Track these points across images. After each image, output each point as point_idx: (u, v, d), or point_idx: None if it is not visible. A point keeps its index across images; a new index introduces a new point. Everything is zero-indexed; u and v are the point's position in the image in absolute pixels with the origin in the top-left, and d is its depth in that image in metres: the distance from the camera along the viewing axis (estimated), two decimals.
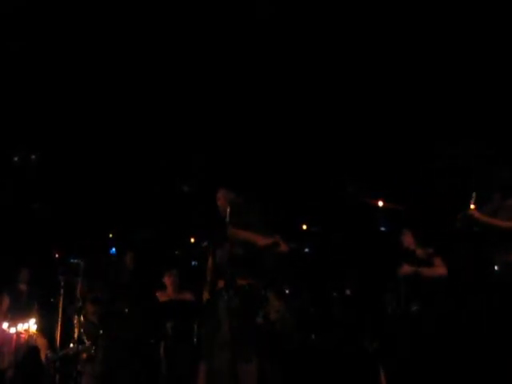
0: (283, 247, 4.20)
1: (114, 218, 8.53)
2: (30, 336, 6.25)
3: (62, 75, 6.72)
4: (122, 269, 6.37)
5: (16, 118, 7.23)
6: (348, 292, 7.97)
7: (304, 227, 9.41)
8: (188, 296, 6.53)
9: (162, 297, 6.54)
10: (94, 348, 5.92)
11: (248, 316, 4.05)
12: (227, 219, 4.15)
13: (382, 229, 8.70)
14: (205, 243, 4.70)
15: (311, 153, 8.08)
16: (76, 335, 6.03)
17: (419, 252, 5.84)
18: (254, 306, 4.12)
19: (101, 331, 6.04)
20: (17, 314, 6.59)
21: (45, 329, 6.61)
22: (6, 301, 6.85)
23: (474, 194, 4.73)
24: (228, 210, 4.20)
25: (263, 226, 4.24)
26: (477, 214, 4.64)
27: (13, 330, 6.10)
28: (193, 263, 8.03)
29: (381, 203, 8.16)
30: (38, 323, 6.44)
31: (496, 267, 4.67)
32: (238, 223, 4.20)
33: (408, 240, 5.95)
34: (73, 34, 6.06)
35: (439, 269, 5.61)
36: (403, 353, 5.52)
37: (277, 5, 5.61)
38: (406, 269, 5.64)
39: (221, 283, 4.16)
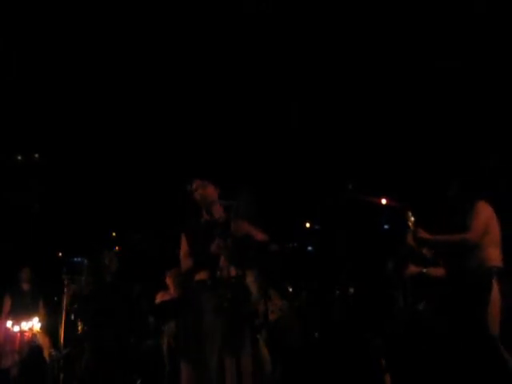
0: (273, 246, 4.24)
1: (117, 217, 8.53)
2: (34, 334, 6.29)
3: (66, 76, 6.73)
4: (103, 268, 6.36)
5: (20, 117, 7.24)
6: (351, 290, 7.95)
7: (307, 225, 9.39)
8: None
9: (164, 296, 6.55)
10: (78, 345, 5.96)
11: (237, 309, 3.96)
12: (233, 212, 4.14)
13: (386, 227, 8.67)
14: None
15: (314, 151, 8.06)
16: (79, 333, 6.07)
17: (425, 252, 5.82)
18: (241, 299, 4.03)
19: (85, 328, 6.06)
20: (20, 313, 6.63)
21: (48, 327, 6.65)
22: (8, 301, 6.89)
23: (409, 214, 4.95)
24: (235, 203, 4.20)
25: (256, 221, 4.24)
26: (421, 234, 4.98)
27: (16, 329, 6.14)
28: None
29: (384, 201, 8.13)
30: (43, 321, 6.48)
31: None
32: (241, 217, 4.17)
33: (411, 241, 5.93)
34: (75, 35, 6.06)
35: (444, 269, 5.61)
36: (410, 351, 5.52)
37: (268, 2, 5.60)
38: (413, 269, 5.64)
39: (203, 274, 4.12)
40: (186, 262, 4.22)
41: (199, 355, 3.91)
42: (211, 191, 4.27)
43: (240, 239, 4.05)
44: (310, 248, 9.74)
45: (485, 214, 4.83)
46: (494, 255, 4.77)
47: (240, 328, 3.95)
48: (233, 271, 4.03)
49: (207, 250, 4.05)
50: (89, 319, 6.06)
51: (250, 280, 4.34)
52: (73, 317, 6.06)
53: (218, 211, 4.26)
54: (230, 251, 4.01)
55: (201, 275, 4.10)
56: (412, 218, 5.03)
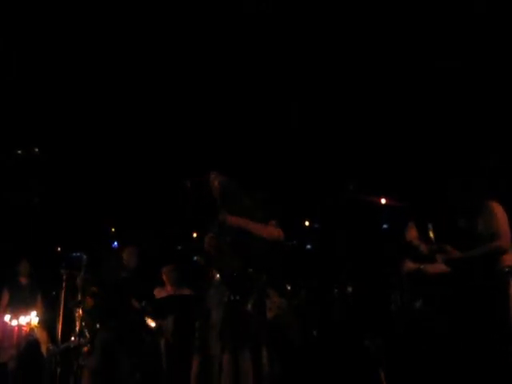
0: (279, 233, 4.01)
1: (117, 212, 8.54)
2: (32, 329, 6.30)
3: (66, 72, 6.73)
4: (118, 264, 6.35)
5: (20, 111, 7.24)
6: (349, 289, 7.94)
7: (306, 223, 9.37)
8: (187, 291, 6.54)
9: (160, 293, 6.58)
10: (90, 342, 5.94)
11: (237, 305, 3.91)
12: (219, 203, 4.09)
13: (385, 226, 8.65)
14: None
15: (314, 149, 8.06)
16: (77, 329, 6.07)
17: (423, 248, 5.78)
18: (242, 294, 3.92)
19: (98, 325, 6.04)
20: (18, 307, 6.65)
21: (46, 322, 6.65)
22: (6, 295, 6.91)
23: (430, 226, 4.91)
24: (220, 192, 4.14)
25: (257, 211, 4.07)
26: (453, 254, 4.94)
27: (14, 323, 6.15)
28: (194, 258, 7.98)
29: (383, 200, 8.11)
30: (41, 316, 6.49)
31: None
32: (232, 208, 4.06)
33: (412, 233, 5.88)
34: (73, 30, 6.06)
35: (442, 265, 5.57)
36: (407, 350, 5.51)
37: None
38: (409, 266, 5.61)
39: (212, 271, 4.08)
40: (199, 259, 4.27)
41: (206, 351, 3.92)
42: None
43: (234, 232, 4.00)
44: (308, 246, 9.73)
45: (503, 215, 4.80)
46: (507, 255, 4.75)
47: (237, 326, 3.93)
48: (228, 266, 4.00)
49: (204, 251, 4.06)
50: (101, 316, 6.07)
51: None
52: (80, 312, 6.02)
53: None
54: (217, 250, 3.97)
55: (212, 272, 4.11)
56: (431, 234, 4.99)
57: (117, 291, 6.13)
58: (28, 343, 6.41)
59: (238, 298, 3.93)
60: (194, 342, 4.05)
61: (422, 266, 5.50)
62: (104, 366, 5.83)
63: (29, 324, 6.23)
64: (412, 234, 5.83)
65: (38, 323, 6.35)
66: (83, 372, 5.93)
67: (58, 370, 6.04)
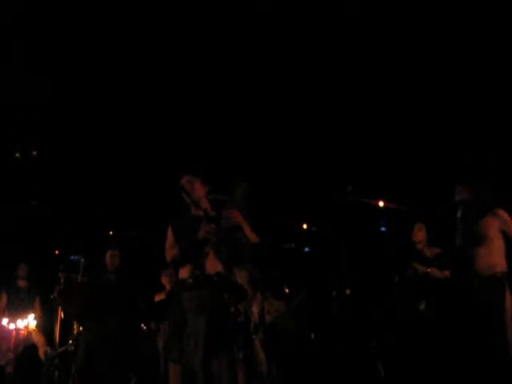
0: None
1: (115, 216, 8.53)
2: (29, 332, 6.26)
3: (64, 73, 6.73)
4: (102, 267, 6.30)
5: (18, 114, 7.23)
6: (347, 291, 7.95)
7: (304, 226, 9.38)
8: None
9: (160, 297, 6.55)
10: (73, 344, 5.88)
11: (219, 308, 3.77)
12: (228, 201, 4.05)
13: (383, 229, 8.65)
14: None
15: (312, 152, 8.07)
16: (75, 332, 6.03)
17: (426, 252, 5.81)
18: (226, 298, 3.77)
19: (81, 328, 5.98)
20: (16, 310, 6.62)
21: (44, 325, 6.63)
22: (4, 297, 6.89)
23: None
24: (228, 197, 4.12)
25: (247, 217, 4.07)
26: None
27: (12, 327, 6.11)
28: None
29: (381, 203, 8.11)
30: (39, 319, 6.46)
31: None
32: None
33: (420, 234, 5.88)
34: (74, 32, 6.07)
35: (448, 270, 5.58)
36: (408, 351, 5.52)
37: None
38: (419, 268, 5.62)
39: (184, 271, 3.98)
40: (170, 252, 4.06)
41: (183, 355, 3.81)
42: (198, 187, 4.20)
43: (230, 228, 3.92)
44: (306, 249, 9.74)
45: None
46: (502, 261, 4.82)
47: (225, 328, 3.85)
48: (218, 267, 3.90)
49: (192, 241, 3.96)
50: (82, 318, 6.01)
51: (242, 278, 4.18)
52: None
53: (205, 206, 4.18)
54: (217, 237, 3.89)
55: (183, 272, 3.96)
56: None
57: (100, 293, 6.06)
58: (26, 347, 6.37)
59: (224, 299, 3.79)
60: (169, 352, 3.93)
61: (429, 270, 5.52)
62: (87, 366, 5.77)
63: (26, 327, 6.19)
64: (419, 235, 5.85)
65: (36, 326, 6.32)
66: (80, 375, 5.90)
67: (56, 373, 6.01)
